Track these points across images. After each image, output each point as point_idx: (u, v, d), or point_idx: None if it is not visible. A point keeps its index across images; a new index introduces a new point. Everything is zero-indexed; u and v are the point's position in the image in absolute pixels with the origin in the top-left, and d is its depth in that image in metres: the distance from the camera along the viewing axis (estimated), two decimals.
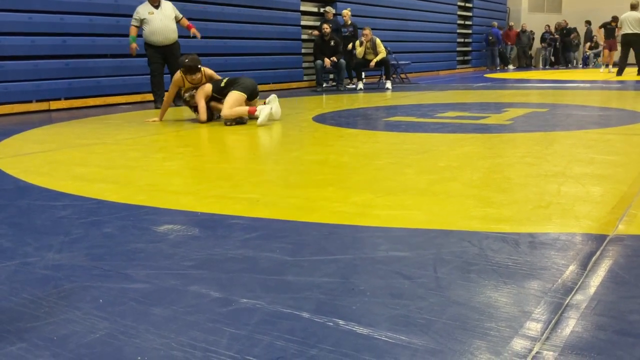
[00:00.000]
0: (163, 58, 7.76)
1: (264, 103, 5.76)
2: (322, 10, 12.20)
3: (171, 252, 1.92)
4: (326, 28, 10.58)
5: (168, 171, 3.38)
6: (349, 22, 11.60)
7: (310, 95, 9.88)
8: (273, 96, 5.86)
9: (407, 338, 1.27)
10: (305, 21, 12.14)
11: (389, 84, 10.90)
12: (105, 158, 3.94)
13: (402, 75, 12.81)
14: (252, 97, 5.84)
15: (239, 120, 5.67)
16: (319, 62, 10.70)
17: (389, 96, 9.14)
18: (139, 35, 7.69)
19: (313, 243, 1.97)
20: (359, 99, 8.63)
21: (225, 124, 5.61)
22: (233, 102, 5.61)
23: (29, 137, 5.12)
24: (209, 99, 5.93)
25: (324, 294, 1.53)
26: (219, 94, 5.86)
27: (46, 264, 1.84)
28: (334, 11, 11.82)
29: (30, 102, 7.54)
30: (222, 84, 5.85)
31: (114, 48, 8.38)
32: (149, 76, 7.89)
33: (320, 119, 5.97)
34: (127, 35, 8.06)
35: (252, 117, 5.65)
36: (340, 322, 1.36)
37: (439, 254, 1.81)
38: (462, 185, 2.75)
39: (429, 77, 15.59)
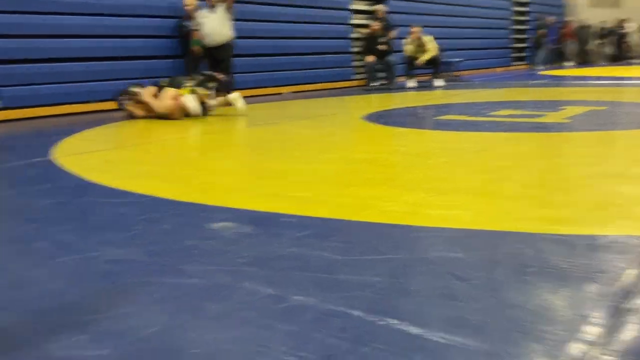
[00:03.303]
0: (214, 59, 8.06)
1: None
2: (372, 8, 12.15)
3: (225, 249, 1.96)
4: (375, 26, 10.54)
5: (220, 169, 3.44)
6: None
7: (360, 94, 9.86)
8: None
9: (461, 339, 1.26)
10: (356, 19, 12.11)
11: (439, 82, 10.76)
12: (160, 156, 4.06)
13: (454, 73, 12.61)
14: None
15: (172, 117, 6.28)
16: (369, 60, 10.68)
17: (440, 94, 9.02)
18: None
19: (364, 242, 1.97)
20: (410, 98, 8.55)
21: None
22: (163, 98, 6.32)
23: (88, 136, 5.32)
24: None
25: (376, 293, 1.53)
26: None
27: (107, 258, 1.91)
28: (384, 9, 11.74)
29: (88, 102, 7.82)
30: (167, 85, 6.56)
31: (168, 50, 8.59)
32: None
33: (370, 118, 5.95)
34: (180, 37, 8.29)
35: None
36: (393, 321, 1.36)
37: (494, 255, 1.78)
38: (517, 186, 2.68)
39: (481, 74, 15.29)
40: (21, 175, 3.45)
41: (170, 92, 6.33)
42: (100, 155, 4.14)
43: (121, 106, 6.92)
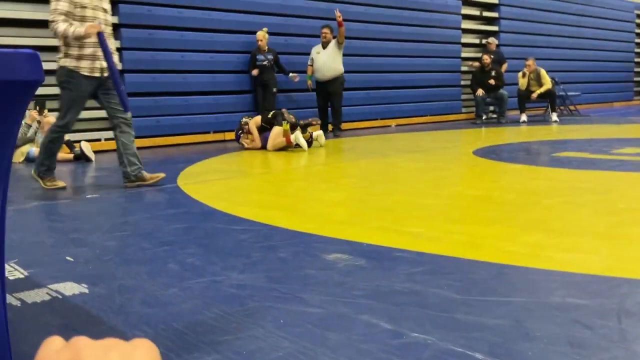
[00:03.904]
0: (326, 92, 8.45)
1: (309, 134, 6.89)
2: (483, 41, 11.98)
3: (341, 281, 2.01)
4: (486, 59, 10.38)
5: (333, 201, 3.53)
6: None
7: (470, 127, 9.69)
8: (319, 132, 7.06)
9: None
10: (466, 53, 12.00)
11: (555, 117, 10.35)
12: (275, 186, 4.23)
13: (571, 107, 12.05)
14: (293, 128, 6.73)
15: (282, 148, 6.73)
16: (479, 94, 10.51)
17: (556, 130, 8.65)
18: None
19: (482, 282, 1.94)
20: (523, 133, 8.28)
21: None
22: (274, 137, 6.70)
23: (209, 165, 5.66)
24: (259, 127, 7.04)
25: (496, 336, 1.50)
26: (267, 124, 6.95)
27: (232, 283, 2.03)
28: (496, 42, 11.55)
29: (209, 132, 8.33)
30: (269, 116, 6.97)
31: (281, 84, 8.98)
32: (315, 109, 8.67)
33: (481, 152, 5.83)
34: (295, 72, 8.69)
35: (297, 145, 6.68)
36: None
37: (623, 304, 1.69)
38: None
39: (600, 108, 14.47)
40: (153, 200, 3.74)
41: (278, 130, 6.63)
42: (221, 184, 4.39)
43: (237, 138, 7.36)
